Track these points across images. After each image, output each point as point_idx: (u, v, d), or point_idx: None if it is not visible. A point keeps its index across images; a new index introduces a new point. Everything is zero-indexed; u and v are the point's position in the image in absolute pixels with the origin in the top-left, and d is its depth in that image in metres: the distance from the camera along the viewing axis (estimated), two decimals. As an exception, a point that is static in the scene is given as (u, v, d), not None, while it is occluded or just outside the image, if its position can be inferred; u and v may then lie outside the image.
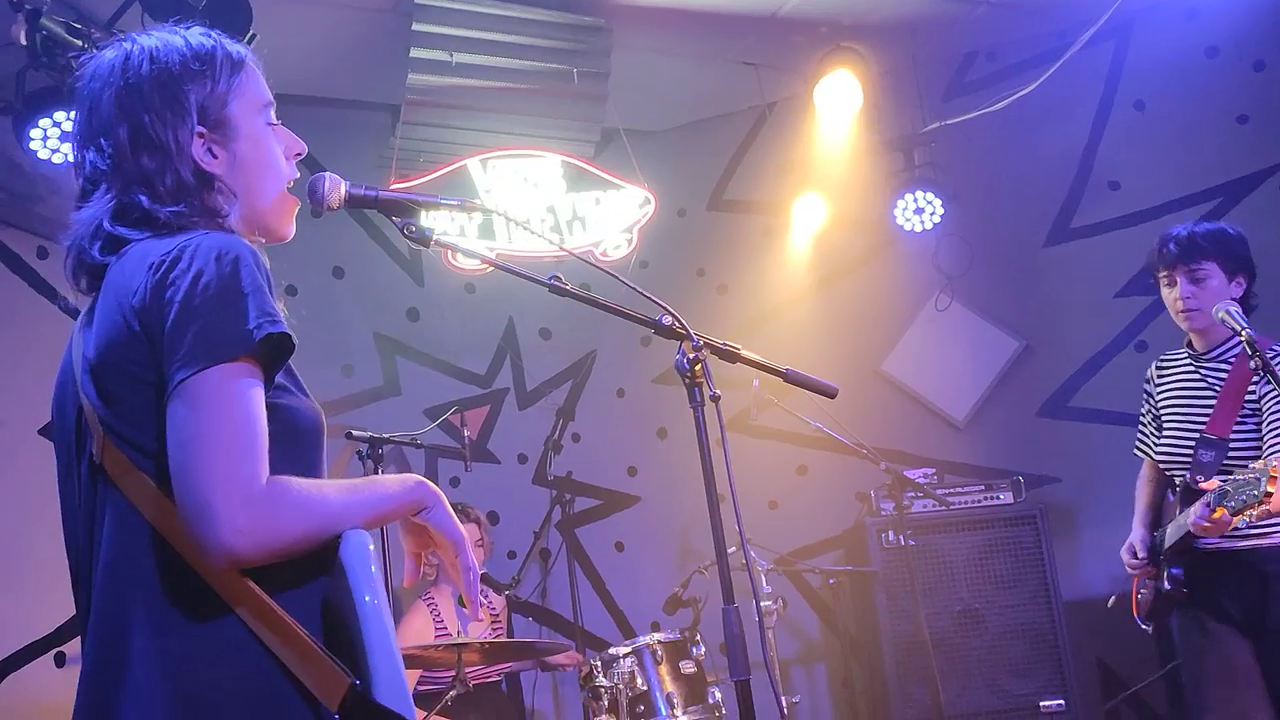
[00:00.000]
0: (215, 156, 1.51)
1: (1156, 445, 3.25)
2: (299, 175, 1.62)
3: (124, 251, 1.44)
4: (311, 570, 1.37)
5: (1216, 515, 2.74)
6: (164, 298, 1.33)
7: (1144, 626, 3.28)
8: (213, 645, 1.31)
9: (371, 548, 1.39)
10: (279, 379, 1.41)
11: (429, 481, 1.49)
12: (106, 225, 1.45)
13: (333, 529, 1.36)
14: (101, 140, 1.48)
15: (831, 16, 4.97)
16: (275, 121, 1.58)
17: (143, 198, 1.45)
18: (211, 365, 1.29)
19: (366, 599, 1.35)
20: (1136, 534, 3.25)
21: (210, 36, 1.55)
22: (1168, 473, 3.20)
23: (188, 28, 1.56)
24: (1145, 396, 3.35)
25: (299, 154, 1.61)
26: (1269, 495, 2.58)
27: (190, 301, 1.32)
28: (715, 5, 4.77)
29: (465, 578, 1.49)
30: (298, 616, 1.32)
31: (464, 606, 4.08)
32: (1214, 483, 2.80)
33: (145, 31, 1.55)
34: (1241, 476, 2.69)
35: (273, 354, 1.36)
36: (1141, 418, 3.38)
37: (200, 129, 1.49)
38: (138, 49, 1.50)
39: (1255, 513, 2.63)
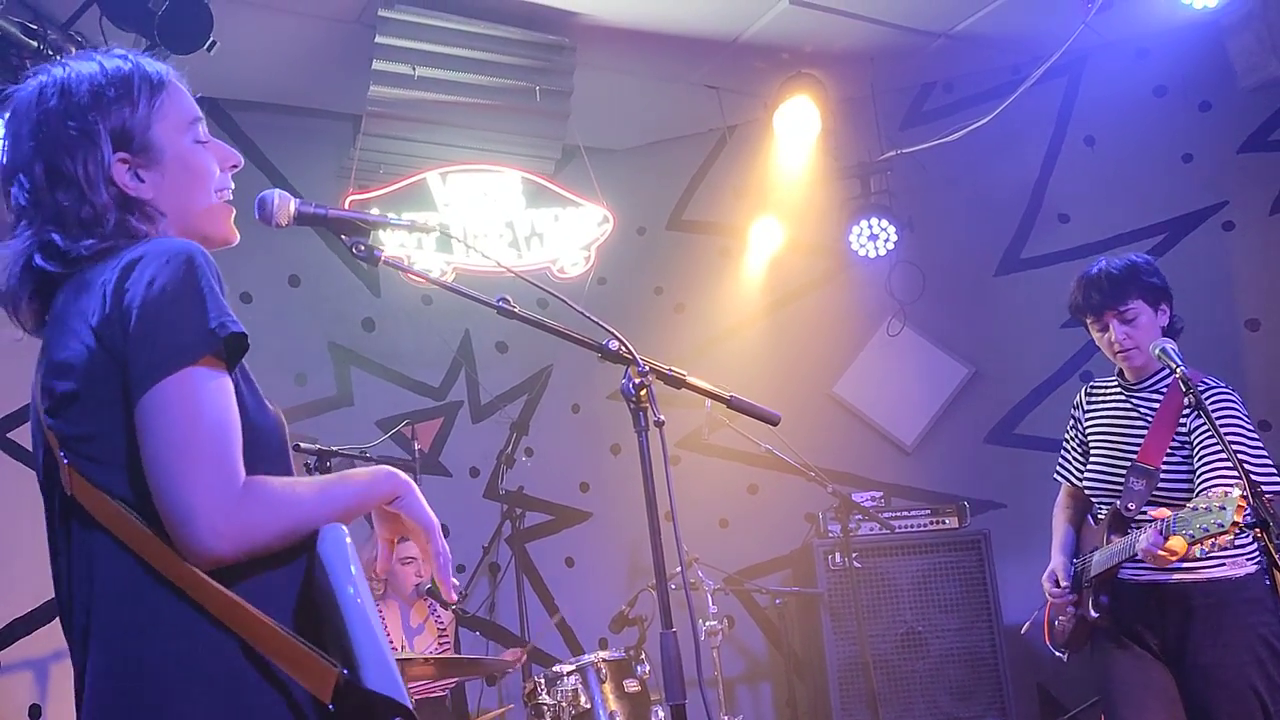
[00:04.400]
0: (142, 180, 1.51)
1: (1084, 472, 3.25)
2: (235, 185, 1.62)
3: (65, 283, 1.45)
4: (286, 564, 1.40)
5: (1171, 543, 2.67)
6: (121, 309, 1.34)
7: (1058, 654, 3.26)
8: (191, 650, 1.33)
9: (349, 541, 1.42)
10: (240, 386, 1.42)
11: (398, 470, 1.54)
12: (38, 261, 1.46)
13: (308, 525, 1.40)
14: (21, 176, 1.49)
15: (793, 44, 5.04)
16: (205, 138, 1.58)
17: (55, 236, 1.45)
18: (177, 370, 1.31)
19: (349, 590, 1.38)
20: (1057, 561, 3.22)
21: (128, 59, 1.54)
22: (1093, 500, 3.19)
23: (106, 53, 1.55)
24: (1072, 422, 3.35)
25: (235, 166, 1.62)
26: (1234, 524, 2.51)
27: (147, 308, 1.33)
28: (679, 29, 4.82)
29: (438, 562, 1.54)
30: (274, 614, 1.35)
31: (435, 599, 4.06)
32: (1164, 511, 2.76)
33: (62, 61, 1.55)
34: (1201, 504, 2.62)
35: (229, 354, 1.37)
36: (1066, 443, 3.38)
37: (123, 155, 1.50)
38: (51, 80, 1.51)
39: (1218, 542, 2.56)
